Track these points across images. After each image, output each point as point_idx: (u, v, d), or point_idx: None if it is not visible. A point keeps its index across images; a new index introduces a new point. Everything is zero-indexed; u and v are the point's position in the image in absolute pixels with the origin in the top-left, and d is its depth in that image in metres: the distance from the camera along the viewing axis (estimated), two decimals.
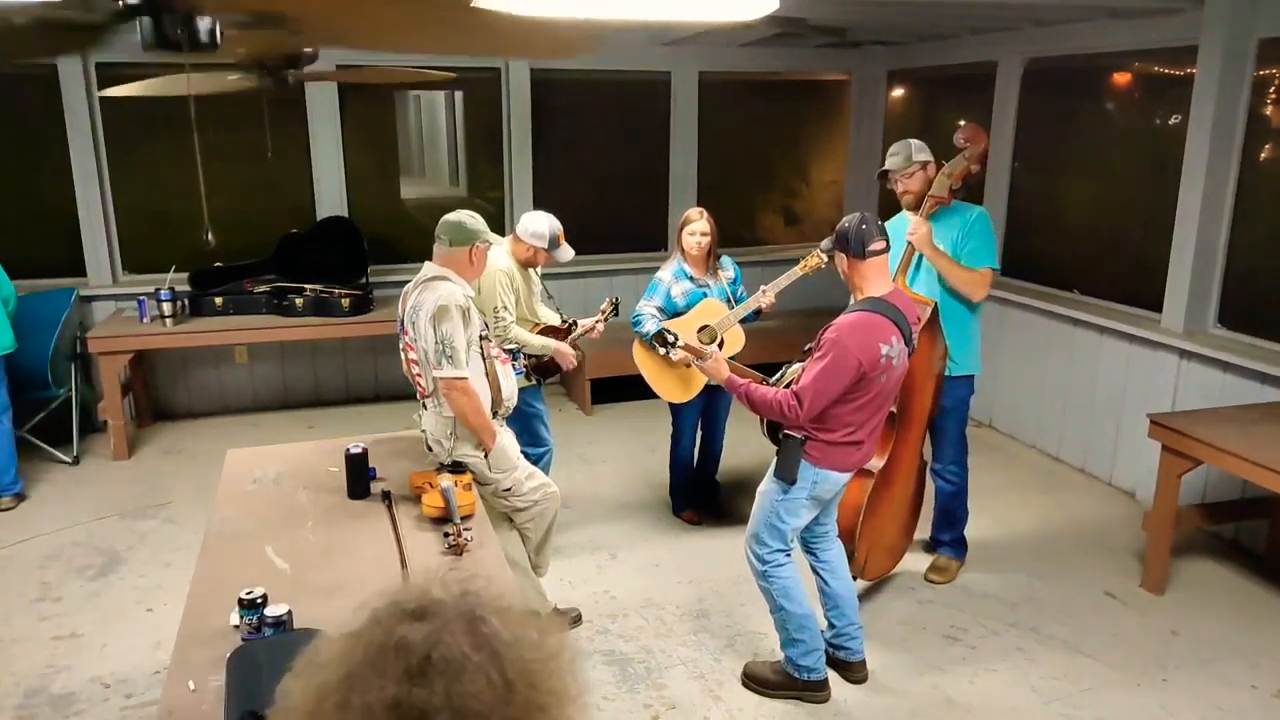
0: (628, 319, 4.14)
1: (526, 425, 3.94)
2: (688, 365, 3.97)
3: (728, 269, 4.21)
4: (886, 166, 3.70)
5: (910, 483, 3.68)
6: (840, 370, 2.76)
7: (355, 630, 0.78)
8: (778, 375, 3.09)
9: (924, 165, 3.64)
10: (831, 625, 3.24)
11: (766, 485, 3.05)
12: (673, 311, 4.04)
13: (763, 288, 3.93)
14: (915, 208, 3.65)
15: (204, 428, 5.74)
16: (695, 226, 4.05)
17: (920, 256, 3.61)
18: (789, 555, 3.08)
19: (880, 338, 2.79)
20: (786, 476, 2.93)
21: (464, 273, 3.10)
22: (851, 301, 2.94)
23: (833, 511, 3.20)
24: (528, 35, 1.56)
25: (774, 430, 3.08)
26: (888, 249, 2.90)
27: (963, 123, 3.72)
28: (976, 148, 3.60)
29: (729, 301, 4.10)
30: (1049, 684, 3.24)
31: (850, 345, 2.76)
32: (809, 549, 3.21)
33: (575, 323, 4.06)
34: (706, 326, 3.99)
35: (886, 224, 3.87)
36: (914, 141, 3.68)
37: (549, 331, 4.02)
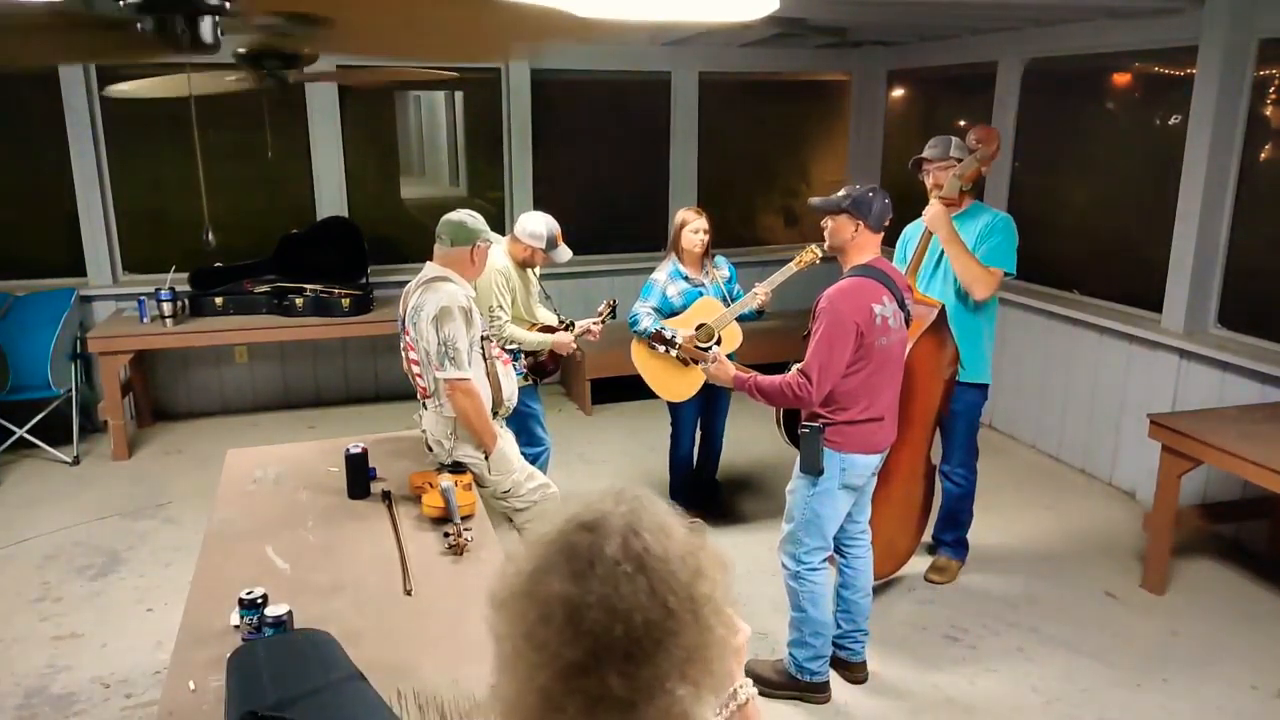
0: (622, 321, 4.15)
1: (523, 425, 3.95)
2: (688, 363, 3.98)
3: (722, 268, 4.22)
4: (924, 154, 3.69)
5: (911, 484, 3.66)
6: (840, 335, 2.77)
7: (549, 530, 0.95)
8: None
9: (957, 163, 3.64)
10: (839, 625, 3.23)
11: (795, 483, 3.03)
12: (669, 311, 4.05)
13: (757, 285, 3.92)
14: None
15: (204, 428, 5.74)
16: (697, 224, 4.07)
17: (934, 262, 3.60)
18: (825, 561, 3.06)
19: (871, 298, 2.82)
20: (813, 469, 2.92)
21: (465, 272, 3.10)
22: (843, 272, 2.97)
23: (866, 507, 3.18)
24: (534, 20, 1.54)
25: (791, 430, 3.07)
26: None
27: (980, 125, 3.70)
28: (989, 149, 3.59)
29: (725, 300, 4.10)
30: (1049, 684, 3.24)
31: (843, 308, 2.79)
32: (838, 549, 3.19)
33: (572, 324, 4.06)
34: (704, 325, 3.99)
35: (906, 227, 3.88)
36: (955, 139, 3.68)
37: (545, 332, 4.02)
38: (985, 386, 3.77)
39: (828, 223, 2.96)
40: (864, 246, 2.91)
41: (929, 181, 3.68)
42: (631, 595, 0.87)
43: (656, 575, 0.89)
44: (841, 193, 2.93)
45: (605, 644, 0.86)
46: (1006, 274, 3.61)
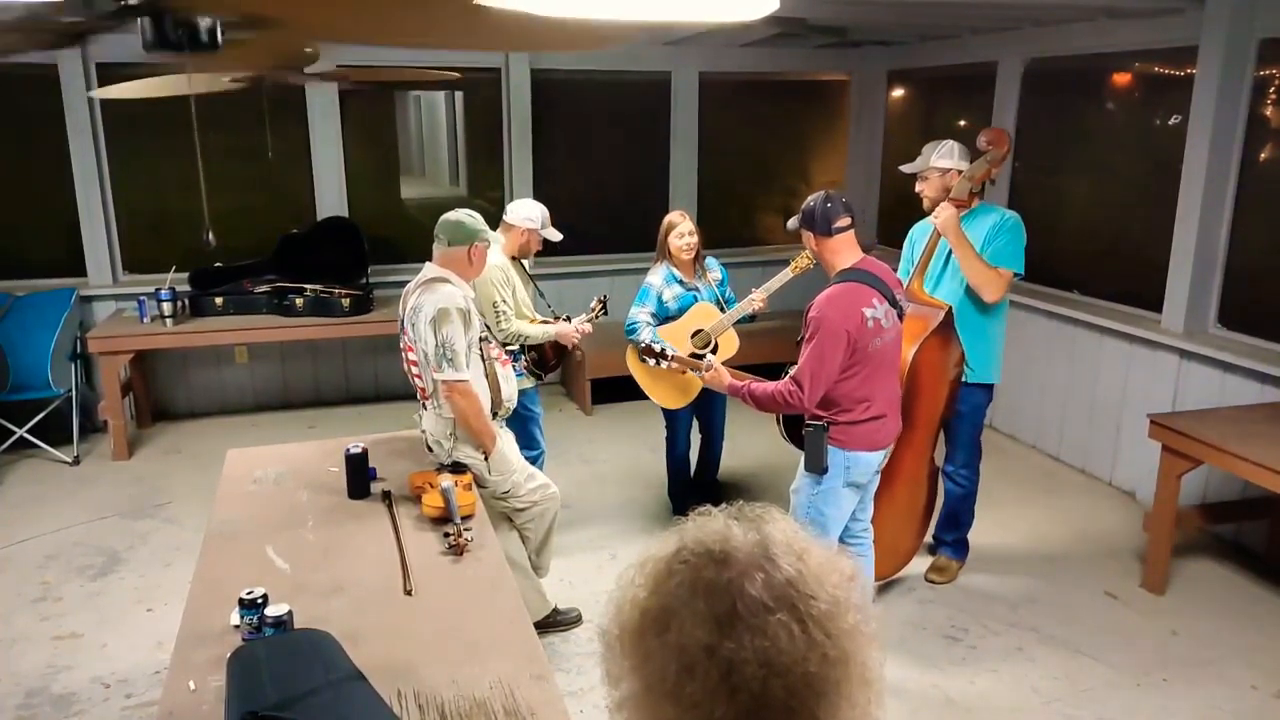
0: (620, 320, 4.13)
1: (523, 428, 3.93)
2: (683, 373, 3.97)
3: (714, 270, 4.20)
4: (901, 168, 3.75)
5: (914, 487, 3.64)
6: (831, 344, 2.78)
7: (666, 559, 0.84)
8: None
9: (943, 173, 3.62)
10: None
11: (799, 483, 3.04)
12: (665, 316, 4.03)
13: (753, 291, 3.91)
14: (930, 211, 3.65)
15: (204, 428, 5.74)
16: (683, 228, 4.04)
17: (943, 261, 3.60)
18: None
19: (861, 303, 2.82)
20: (816, 468, 2.93)
21: (463, 272, 3.10)
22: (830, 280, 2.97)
23: (869, 505, 3.19)
24: (536, 30, 1.54)
25: (792, 431, 3.07)
26: (854, 224, 2.94)
27: (990, 127, 3.70)
28: (999, 151, 3.57)
29: (718, 303, 4.08)
30: (1049, 684, 3.24)
31: (834, 316, 2.79)
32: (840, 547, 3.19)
33: (569, 318, 4.06)
34: (700, 331, 3.98)
35: (912, 228, 3.86)
36: (945, 144, 3.66)
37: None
38: (991, 387, 3.76)
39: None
40: (837, 251, 2.92)
41: (918, 186, 3.71)
42: (790, 649, 0.78)
43: (812, 620, 0.80)
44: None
45: (763, 702, 0.78)
46: (1016, 275, 3.58)
